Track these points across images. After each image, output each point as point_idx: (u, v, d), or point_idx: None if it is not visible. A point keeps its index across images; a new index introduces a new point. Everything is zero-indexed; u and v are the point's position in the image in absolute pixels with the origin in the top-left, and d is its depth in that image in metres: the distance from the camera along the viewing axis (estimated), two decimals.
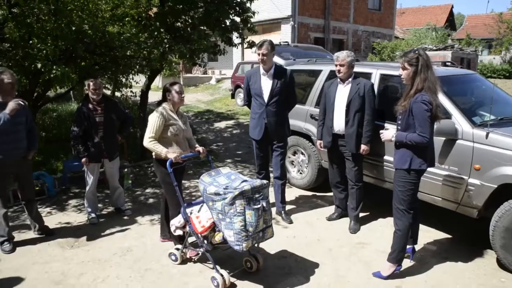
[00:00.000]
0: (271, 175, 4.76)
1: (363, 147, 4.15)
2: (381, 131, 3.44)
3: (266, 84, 4.34)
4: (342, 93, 4.19)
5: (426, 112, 3.02)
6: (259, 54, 4.24)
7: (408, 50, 3.24)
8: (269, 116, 4.36)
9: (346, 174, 4.39)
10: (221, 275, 3.23)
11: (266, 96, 4.33)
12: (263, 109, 4.36)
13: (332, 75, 4.86)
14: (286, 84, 4.35)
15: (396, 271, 3.40)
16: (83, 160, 4.45)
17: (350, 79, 4.18)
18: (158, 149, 3.55)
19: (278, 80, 4.31)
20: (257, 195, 3.06)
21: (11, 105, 3.62)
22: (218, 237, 3.21)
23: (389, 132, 3.31)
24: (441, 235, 4.23)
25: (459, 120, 3.68)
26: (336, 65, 4.15)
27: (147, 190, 5.74)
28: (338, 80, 4.26)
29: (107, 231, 4.39)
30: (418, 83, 3.08)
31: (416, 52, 3.13)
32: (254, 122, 4.50)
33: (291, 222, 4.55)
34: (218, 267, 3.29)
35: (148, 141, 3.57)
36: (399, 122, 3.25)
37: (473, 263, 3.66)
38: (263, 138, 4.46)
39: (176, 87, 3.69)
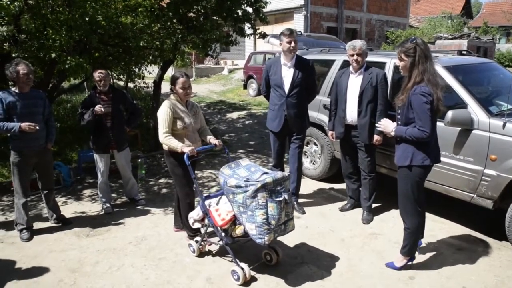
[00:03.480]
0: (285, 166, 4.75)
1: (376, 137, 4.10)
2: (379, 123, 3.27)
3: (287, 75, 4.23)
4: (354, 84, 4.14)
5: (425, 105, 2.82)
6: (289, 42, 4.09)
7: (405, 39, 3.07)
8: (289, 108, 4.26)
9: (359, 164, 4.36)
10: (242, 268, 3.20)
11: (286, 87, 4.23)
12: (283, 101, 4.26)
13: (345, 65, 4.80)
14: (307, 75, 4.25)
15: (409, 262, 3.38)
16: (97, 108, 4.29)
17: (362, 69, 4.12)
18: (174, 143, 3.54)
19: (299, 71, 4.20)
20: (279, 188, 3.01)
21: (26, 125, 3.72)
22: (239, 231, 3.20)
23: (389, 125, 3.13)
24: (455, 226, 4.19)
25: (475, 110, 3.61)
26: (352, 55, 4.05)
27: (161, 180, 5.80)
28: (350, 70, 4.20)
29: (122, 221, 4.46)
30: (416, 75, 2.90)
31: (414, 41, 2.93)
32: (273, 114, 4.40)
33: (303, 212, 4.55)
34: (238, 260, 3.26)
35: (163, 137, 3.57)
36: (399, 117, 3.08)
37: (488, 255, 3.62)
38: (282, 130, 4.38)
39: (180, 82, 3.60)
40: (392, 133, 3.08)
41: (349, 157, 4.47)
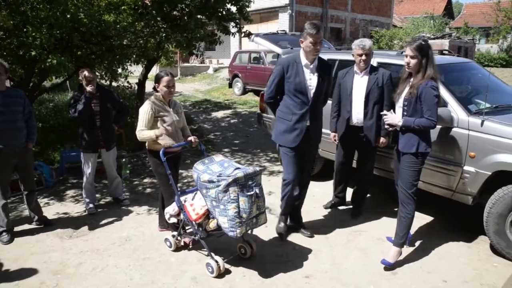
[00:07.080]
0: None
1: (382, 139, 4.03)
2: (385, 116, 3.40)
3: (312, 79, 3.59)
4: (360, 84, 4.03)
5: (435, 98, 3.13)
6: (315, 44, 3.43)
7: (415, 38, 3.27)
8: (313, 119, 3.62)
9: (358, 164, 4.40)
10: (216, 261, 3.28)
11: (311, 94, 3.58)
12: (305, 109, 3.58)
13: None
14: (329, 79, 3.76)
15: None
16: (88, 88, 4.28)
17: (367, 69, 4.03)
18: (148, 134, 3.57)
19: (322, 74, 3.61)
20: (250, 182, 3.10)
21: None
22: (212, 224, 3.25)
23: (394, 117, 3.33)
24: (436, 222, 4.28)
25: (454, 108, 3.69)
26: (360, 55, 3.92)
27: (145, 180, 5.76)
28: (355, 70, 4.09)
29: (106, 221, 4.41)
30: (430, 71, 3.15)
31: (426, 41, 3.19)
32: (289, 125, 3.64)
33: (311, 236, 4.32)
34: (212, 253, 3.33)
35: (140, 134, 3.61)
36: (405, 108, 3.28)
37: (467, 249, 3.71)
38: (300, 145, 3.68)
39: (164, 81, 3.61)
40: (400, 124, 3.27)
41: (345, 157, 4.37)
